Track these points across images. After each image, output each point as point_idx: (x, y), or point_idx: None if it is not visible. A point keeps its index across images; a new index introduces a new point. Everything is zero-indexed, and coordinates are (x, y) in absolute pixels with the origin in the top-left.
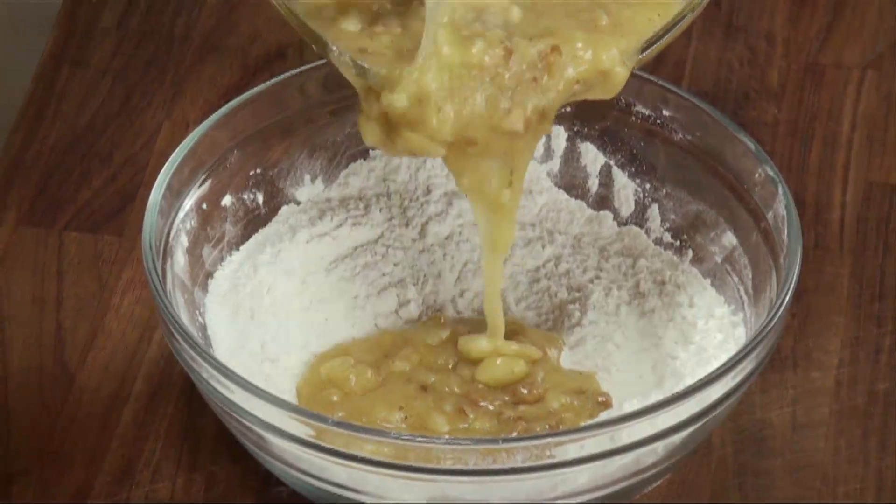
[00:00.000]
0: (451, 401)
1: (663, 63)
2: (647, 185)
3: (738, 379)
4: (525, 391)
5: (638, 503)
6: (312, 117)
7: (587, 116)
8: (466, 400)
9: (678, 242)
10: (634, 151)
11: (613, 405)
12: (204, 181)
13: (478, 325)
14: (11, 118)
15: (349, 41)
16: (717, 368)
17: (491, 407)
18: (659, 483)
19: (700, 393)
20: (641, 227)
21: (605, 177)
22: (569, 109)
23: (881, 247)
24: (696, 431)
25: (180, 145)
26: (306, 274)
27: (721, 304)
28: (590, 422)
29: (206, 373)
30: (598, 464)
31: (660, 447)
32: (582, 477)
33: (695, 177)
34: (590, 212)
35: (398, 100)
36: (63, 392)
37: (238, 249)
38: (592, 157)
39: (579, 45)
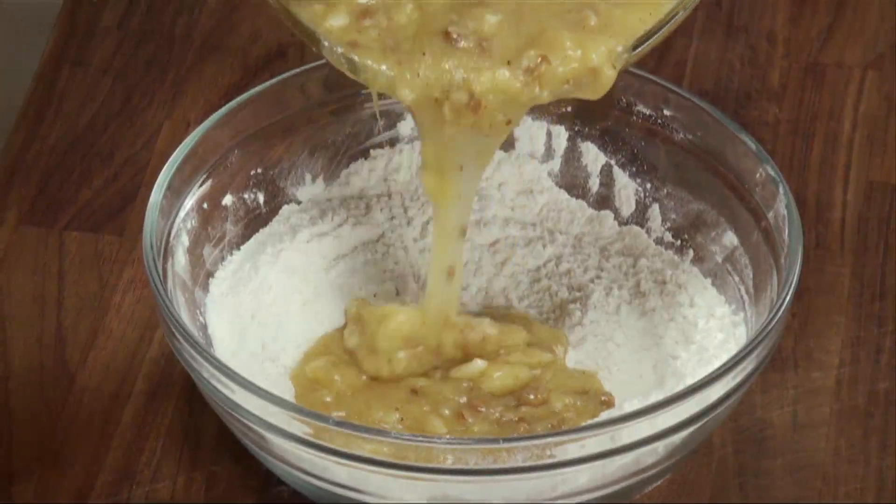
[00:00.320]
0: (450, 405)
1: (664, 63)
2: (648, 185)
3: (738, 379)
4: (532, 396)
5: (638, 503)
6: (313, 117)
7: (588, 116)
8: (467, 406)
9: (679, 242)
10: (635, 151)
11: (615, 405)
12: (205, 181)
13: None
14: (12, 118)
15: (340, 35)
16: (718, 368)
17: (493, 411)
18: (659, 483)
19: (701, 393)
20: (642, 226)
21: (606, 176)
22: (569, 109)
23: (882, 246)
24: (697, 431)
25: (181, 145)
26: (307, 273)
27: (722, 303)
28: (590, 421)
29: (207, 372)
30: (599, 463)
31: (660, 447)
32: (582, 477)
33: (696, 176)
34: (590, 211)
35: (405, 96)
36: (64, 391)
37: (239, 249)
38: (593, 156)
39: (568, 43)
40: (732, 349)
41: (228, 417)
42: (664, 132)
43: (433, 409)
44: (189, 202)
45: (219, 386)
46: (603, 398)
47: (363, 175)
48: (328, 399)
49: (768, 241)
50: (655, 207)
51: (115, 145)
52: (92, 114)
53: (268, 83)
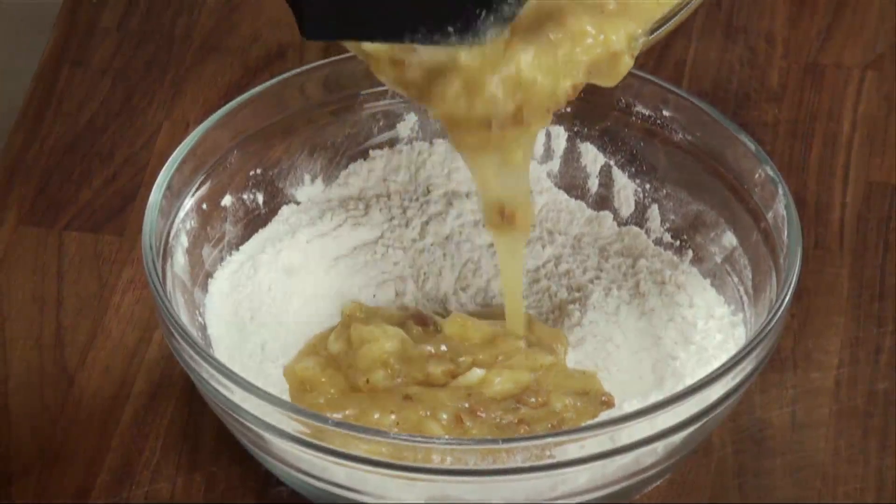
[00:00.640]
0: (448, 410)
1: (663, 63)
2: (647, 186)
3: (738, 379)
4: (532, 400)
5: (638, 503)
6: (312, 117)
7: (587, 117)
8: (467, 410)
9: (678, 242)
10: (634, 152)
11: (615, 405)
12: (204, 181)
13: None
14: (11, 118)
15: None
16: (717, 368)
17: (493, 415)
18: (659, 483)
19: (700, 393)
20: (641, 227)
21: (605, 177)
22: (568, 110)
23: (881, 247)
24: (696, 431)
25: (180, 145)
26: (306, 274)
27: (721, 304)
28: (589, 422)
29: (206, 373)
30: (598, 464)
31: (660, 447)
32: (582, 477)
33: (695, 177)
34: (590, 212)
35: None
36: (63, 392)
37: (238, 249)
38: (592, 157)
39: (589, 28)
40: (732, 349)
41: (227, 418)
42: (663, 133)
43: (431, 415)
44: (188, 202)
45: (218, 386)
46: (603, 399)
47: (362, 176)
48: (321, 401)
49: (767, 241)
50: (655, 208)
51: (115, 145)
52: (91, 114)
53: (267, 84)
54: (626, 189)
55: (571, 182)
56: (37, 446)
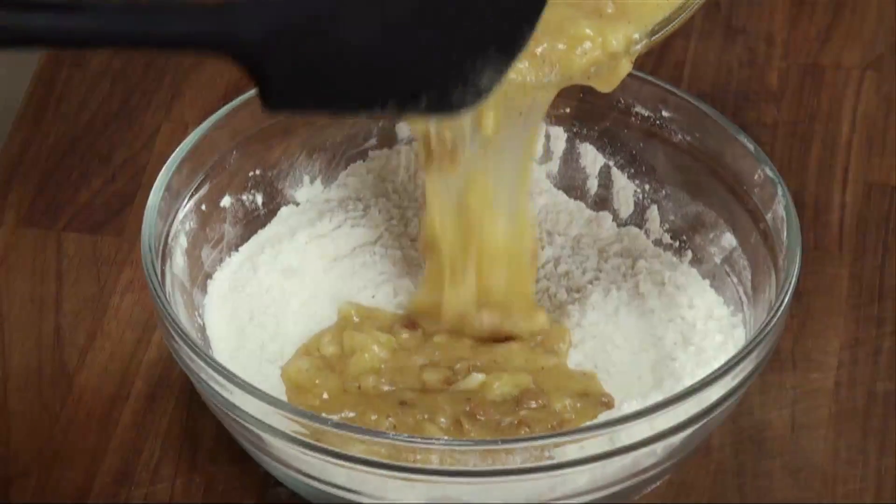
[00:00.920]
0: (447, 415)
1: (663, 64)
2: (647, 186)
3: (737, 380)
4: (533, 403)
5: None
6: (311, 118)
7: (586, 117)
8: (466, 414)
9: (677, 243)
10: (634, 152)
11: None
12: (203, 182)
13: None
14: (11, 118)
15: None
16: (717, 369)
17: (492, 417)
18: (658, 484)
19: (699, 394)
20: (641, 227)
21: (605, 178)
22: (567, 111)
23: (881, 248)
24: (696, 432)
25: (179, 146)
26: (305, 275)
27: (720, 304)
28: (589, 423)
29: (205, 374)
30: (598, 465)
31: (659, 448)
32: (581, 478)
33: (694, 178)
34: (589, 213)
35: None
36: (62, 393)
37: (237, 250)
38: (592, 158)
39: (588, 31)
40: (731, 350)
41: (227, 419)
42: (663, 133)
43: (430, 418)
44: (187, 204)
45: (217, 387)
46: (603, 399)
47: (361, 177)
48: (316, 402)
49: (767, 242)
50: (654, 209)
51: (114, 146)
52: (91, 115)
53: None
54: (625, 190)
55: (571, 183)
56: (36, 447)
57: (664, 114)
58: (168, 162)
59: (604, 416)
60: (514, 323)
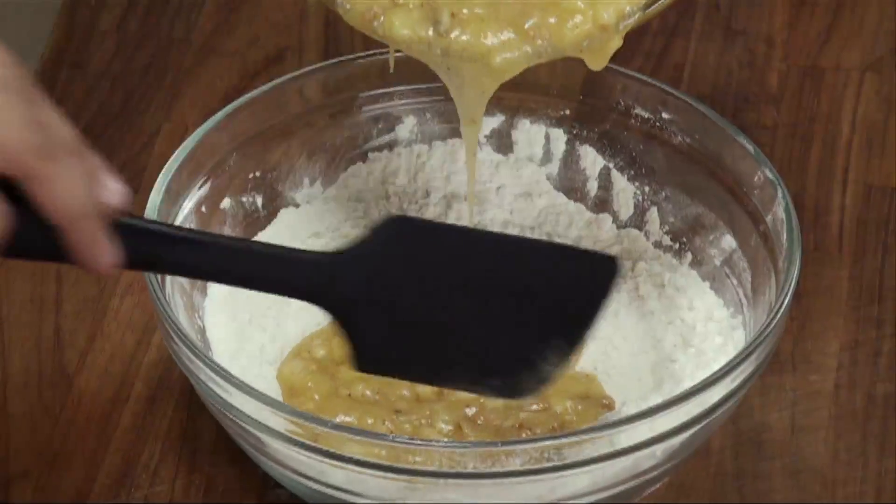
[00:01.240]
0: (446, 421)
1: (662, 66)
2: (647, 188)
3: (737, 382)
4: (534, 407)
5: None
6: (311, 120)
7: (586, 119)
8: (466, 418)
9: (677, 245)
10: (634, 154)
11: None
12: (203, 184)
13: None
14: None
15: None
16: (717, 371)
17: (492, 421)
18: (658, 486)
19: (699, 396)
20: (640, 229)
21: (605, 180)
22: (567, 112)
23: (880, 249)
24: (696, 434)
25: (179, 148)
26: None
27: (720, 306)
28: (588, 425)
29: (205, 375)
30: (598, 467)
31: (659, 450)
32: (581, 480)
33: (694, 179)
34: (589, 214)
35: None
36: (62, 394)
37: None
38: (592, 160)
39: (580, 4)
40: (731, 352)
41: (226, 421)
42: (662, 135)
43: (429, 423)
44: (187, 205)
45: (216, 389)
46: (604, 402)
47: (361, 178)
48: (310, 406)
49: (767, 244)
50: (654, 210)
51: (114, 148)
52: (90, 116)
53: (266, 86)
54: (625, 192)
55: (571, 185)
56: (36, 449)
57: (664, 115)
58: (168, 164)
59: (604, 419)
60: None
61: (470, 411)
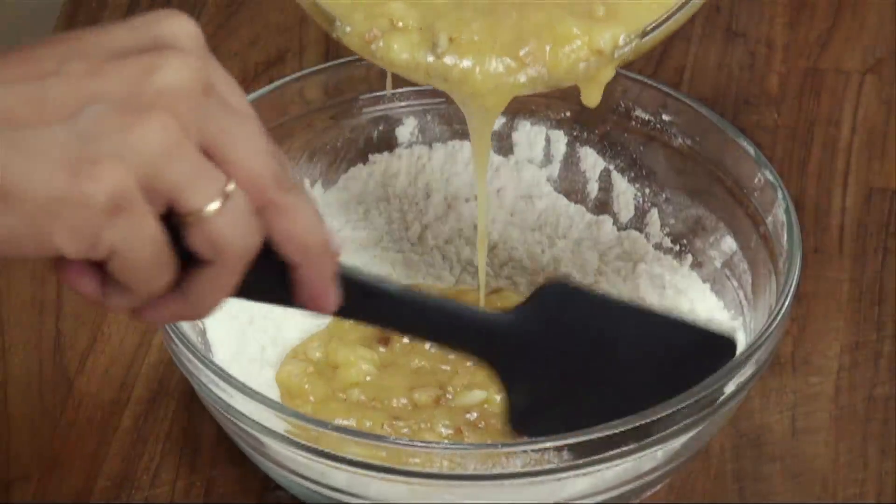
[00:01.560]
0: (447, 423)
1: (663, 68)
2: (647, 190)
3: (737, 383)
4: None
5: None
6: (312, 122)
7: (587, 121)
8: (467, 423)
9: (678, 247)
10: (634, 156)
11: None
12: None
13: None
14: None
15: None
16: (717, 373)
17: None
18: (658, 488)
19: (699, 397)
20: (641, 231)
21: (605, 181)
22: (567, 114)
23: (881, 252)
24: (696, 436)
25: None
26: None
27: (720, 308)
28: (588, 427)
29: (206, 377)
30: (598, 469)
31: (659, 452)
32: (581, 482)
33: (694, 181)
34: (589, 216)
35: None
36: (62, 397)
37: None
38: (592, 161)
39: (575, 30)
40: None
41: (227, 422)
42: (663, 137)
43: (429, 427)
44: None
45: (217, 391)
46: None
47: (362, 180)
48: (308, 408)
49: (767, 246)
50: (654, 212)
51: None
52: None
53: (266, 88)
54: (625, 193)
55: (571, 186)
56: (36, 451)
57: (664, 118)
58: None
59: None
60: None
61: (471, 416)
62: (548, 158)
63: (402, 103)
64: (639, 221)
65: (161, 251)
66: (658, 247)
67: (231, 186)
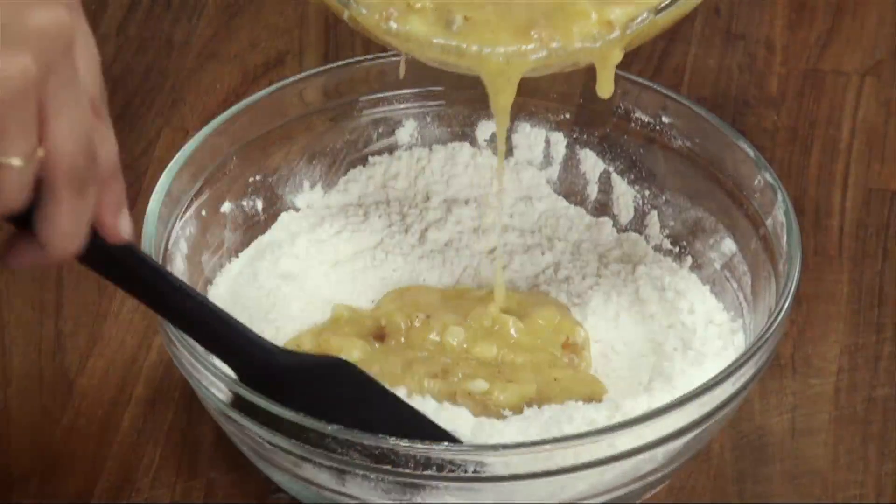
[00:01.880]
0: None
1: (662, 70)
2: (647, 192)
3: (737, 385)
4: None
5: None
6: (311, 124)
7: (586, 123)
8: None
9: (677, 249)
10: (634, 158)
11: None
12: (203, 188)
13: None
14: None
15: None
16: (717, 375)
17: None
18: (658, 489)
19: (699, 399)
20: (641, 233)
21: (605, 183)
22: (567, 116)
23: (880, 253)
24: (696, 438)
25: (179, 152)
26: (305, 280)
27: (720, 310)
28: (589, 428)
29: (206, 379)
30: (597, 470)
31: (659, 453)
32: (581, 483)
33: (694, 183)
34: (589, 218)
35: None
36: (63, 398)
37: (237, 256)
38: (592, 163)
39: (589, 7)
40: (731, 356)
41: (226, 424)
42: (663, 139)
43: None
44: (188, 209)
45: (217, 393)
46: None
47: (361, 182)
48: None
49: (767, 247)
50: (654, 214)
51: None
52: None
53: (266, 90)
54: (625, 195)
55: (571, 188)
56: (36, 452)
57: (664, 119)
58: (168, 167)
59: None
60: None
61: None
62: (547, 160)
63: (402, 105)
64: (638, 223)
65: None
66: (658, 248)
67: (41, 153)
